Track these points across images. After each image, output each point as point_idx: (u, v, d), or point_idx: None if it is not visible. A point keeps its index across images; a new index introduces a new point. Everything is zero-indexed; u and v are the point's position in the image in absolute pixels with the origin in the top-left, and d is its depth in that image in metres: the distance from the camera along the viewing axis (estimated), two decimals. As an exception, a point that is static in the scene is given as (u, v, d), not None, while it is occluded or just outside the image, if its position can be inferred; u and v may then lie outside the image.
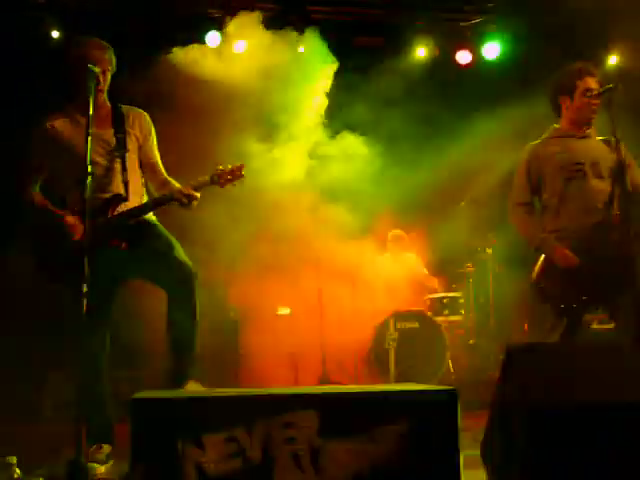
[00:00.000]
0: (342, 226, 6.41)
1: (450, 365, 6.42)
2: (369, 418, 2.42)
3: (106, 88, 3.62)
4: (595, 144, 3.88)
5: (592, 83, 3.83)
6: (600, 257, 3.66)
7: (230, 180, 3.67)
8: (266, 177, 6.04)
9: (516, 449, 2.52)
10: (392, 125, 6.74)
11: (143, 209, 3.59)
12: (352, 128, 6.73)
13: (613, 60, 7.61)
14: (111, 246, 3.48)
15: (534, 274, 3.82)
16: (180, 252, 3.59)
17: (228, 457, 2.37)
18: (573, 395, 2.41)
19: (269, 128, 6.53)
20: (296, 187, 6.36)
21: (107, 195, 3.53)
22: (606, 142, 3.86)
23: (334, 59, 6.59)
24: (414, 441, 2.47)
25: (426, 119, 7.04)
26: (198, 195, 3.58)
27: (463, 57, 7.78)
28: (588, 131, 3.91)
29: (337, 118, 6.76)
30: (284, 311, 6.57)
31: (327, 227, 6.36)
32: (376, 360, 6.26)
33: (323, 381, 5.96)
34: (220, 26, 6.87)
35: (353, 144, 6.65)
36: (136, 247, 3.53)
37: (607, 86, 3.65)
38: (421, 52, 7.69)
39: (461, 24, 7.87)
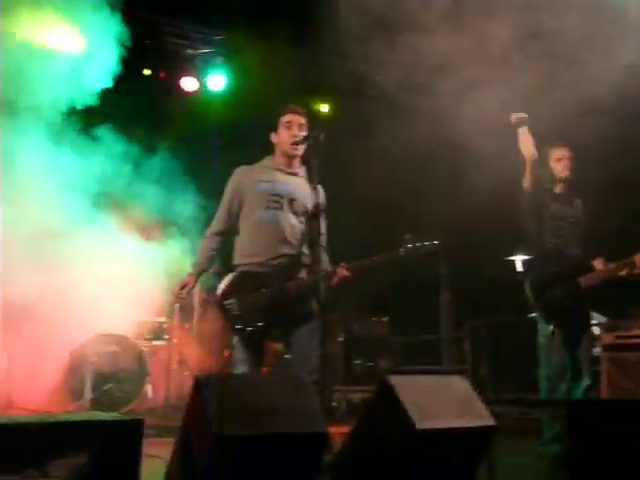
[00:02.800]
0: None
1: (149, 391, 6.32)
2: (43, 450, 2.27)
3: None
4: (300, 183, 4.06)
5: (292, 118, 4.05)
6: (285, 288, 3.85)
7: None
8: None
9: (197, 476, 2.55)
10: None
11: None
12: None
13: (325, 109, 8.25)
14: None
15: (220, 292, 3.95)
16: None
17: None
18: (252, 424, 2.51)
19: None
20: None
21: None
22: (312, 186, 4.06)
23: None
24: (93, 473, 2.38)
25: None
26: None
27: (188, 84, 7.88)
28: (298, 169, 4.10)
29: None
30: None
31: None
32: (72, 384, 5.95)
33: (5, 408, 5.48)
34: None
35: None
36: None
37: (310, 133, 3.91)
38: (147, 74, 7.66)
39: (188, 51, 7.98)
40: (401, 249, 3.82)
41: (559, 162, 4.56)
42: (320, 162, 3.83)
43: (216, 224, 4.08)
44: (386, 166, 7.28)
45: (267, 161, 4.14)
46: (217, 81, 8.03)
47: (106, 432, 2.42)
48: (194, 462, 2.59)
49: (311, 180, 3.92)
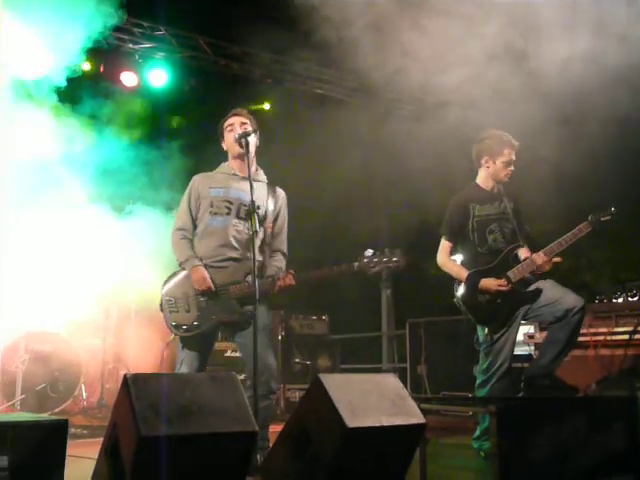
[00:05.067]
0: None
1: (84, 391, 6.21)
2: (-39, 452, 2.21)
3: None
4: (256, 187, 3.94)
5: (233, 120, 4.09)
6: (229, 291, 3.88)
7: None
8: None
9: (124, 477, 2.52)
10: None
11: None
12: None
13: (267, 106, 8.25)
14: None
15: (164, 290, 3.98)
16: None
17: None
18: (180, 423, 2.49)
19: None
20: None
21: None
22: (270, 189, 4.11)
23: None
24: (16, 474, 2.33)
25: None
26: None
27: (128, 79, 7.77)
28: (254, 174, 4.04)
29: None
30: None
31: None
32: (3, 384, 5.78)
33: None
34: None
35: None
36: None
37: (247, 130, 3.91)
38: (86, 66, 7.50)
39: (130, 46, 7.86)
40: (356, 263, 3.82)
41: (506, 167, 4.49)
42: (251, 157, 3.85)
43: (185, 231, 4.04)
44: (329, 167, 7.32)
45: (222, 168, 4.16)
46: (158, 77, 7.93)
47: (29, 434, 2.37)
48: (121, 463, 2.56)
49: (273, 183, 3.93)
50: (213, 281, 3.88)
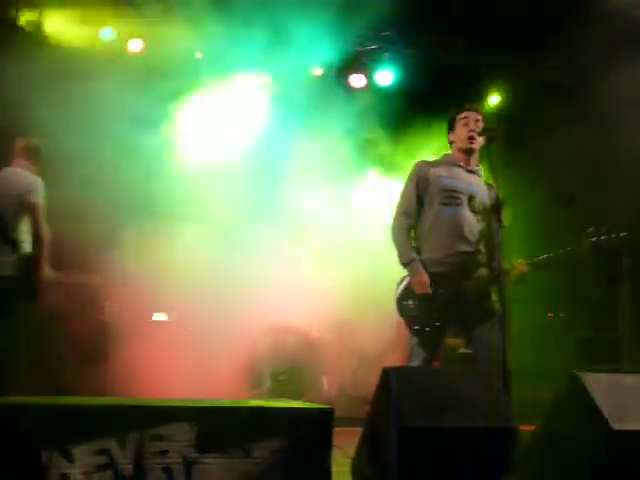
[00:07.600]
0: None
1: (324, 382, 6.49)
2: (246, 433, 2.42)
3: None
4: (478, 181, 4.03)
5: (468, 114, 4.02)
6: (463, 287, 3.83)
7: None
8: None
9: (386, 466, 2.60)
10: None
11: None
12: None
13: (494, 100, 8.07)
14: None
15: (399, 292, 3.97)
16: None
17: (98, 469, 2.30)
18: (440, 416, 2.52)
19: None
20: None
21: None
22: (488, 184, 4.03)
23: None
24: (289, 457, 2.50)
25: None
26: None
27: (357, 80, 7.99)
28: (476, 168, 4.06)
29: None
30: (160, 317, 6.41)
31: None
32: (250, 373, 6.23)
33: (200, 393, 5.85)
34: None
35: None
36: None
37: (490, 125, 3.84)
38: (317, 72, 7.82)
39: (357, 49, 8.07)
40: (584, 244, 3.70)
41: None
42: (498, 155, 3.76)
43: (409, 216, 4.02)
44: (566, 157, 6.98)
45: (445, 157, 4.11)
46: (385, 76, 8.08)
47: (301, 419, 2.53)
48: (381, 453, 2.64)
49: (490, 175, 3.84)
50: (443, 277, 3.83)
